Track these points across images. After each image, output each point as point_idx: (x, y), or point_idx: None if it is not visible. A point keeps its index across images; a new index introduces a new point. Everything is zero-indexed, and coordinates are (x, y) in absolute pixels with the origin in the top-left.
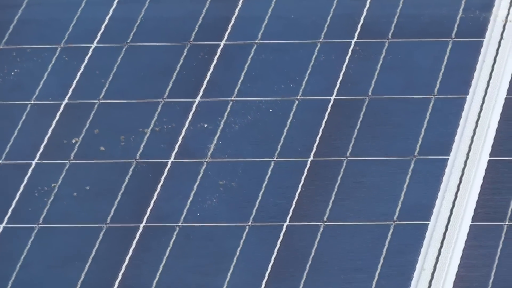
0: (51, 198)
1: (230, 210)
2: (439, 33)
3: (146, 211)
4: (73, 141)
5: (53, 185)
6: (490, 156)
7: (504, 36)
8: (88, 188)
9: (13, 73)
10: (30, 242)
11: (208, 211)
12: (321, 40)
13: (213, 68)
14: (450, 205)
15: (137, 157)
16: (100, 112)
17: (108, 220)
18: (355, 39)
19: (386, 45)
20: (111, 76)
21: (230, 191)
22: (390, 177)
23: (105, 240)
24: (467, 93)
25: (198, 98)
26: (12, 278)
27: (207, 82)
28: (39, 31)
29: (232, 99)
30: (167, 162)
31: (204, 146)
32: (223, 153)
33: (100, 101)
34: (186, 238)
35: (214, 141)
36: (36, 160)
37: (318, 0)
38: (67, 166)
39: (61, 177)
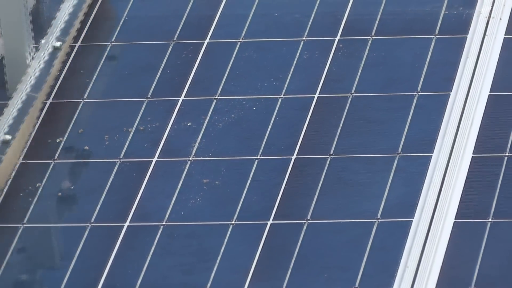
0: (36, 197)
1: (214, 208)
2: (422, 30)
3: (130, 210)
4: (57, 140)
5: (37, 185)
6: (473, 153)
7: (487, 33)
8: (72, 187)
9: None
10: (14, 242)
11: (192, 210)
12: (304, 38)
13: (197, 67)
14: (434, 202)
15: (121, 156)
16: (84, 111)
17: (92, 220)
18: (338, 37)
19: (370, 42)
20: (95, 75)
21: (214, 190)
22: (374, 174)
23: (89, 239)
24: (450, 90)
25: (182, 97)
26: None
27: (191, 81)
28: None
29: (216, 97)
30: (151, 161)
31: (188, 144)
32: (207, 152)
33: (84, 100)
34: (170, 236)
35: (198, 140)
36: (21, 160)
37: None
38: (51, 166)
39: (46, 176)
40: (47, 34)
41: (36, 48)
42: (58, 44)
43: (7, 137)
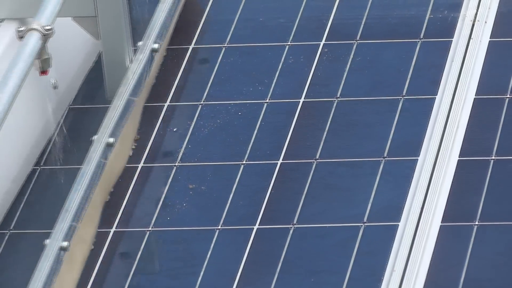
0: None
1: (200, 213)
2: (407, 33)
3: (116, 216)
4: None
5: None
6: (459, 156)
7: (472, 36)
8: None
9: None
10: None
11: (178, 215)
12: (289, 43)
13: (182, 72)
14: (420, 206)
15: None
16: (69, 116)
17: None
18: (323, 41)
19: (355, 46)
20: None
21: (200, 195)
22: (360, 178)
23: None
24: (436, 93)
25: (167, 102)
26: None
27: (176, 86)
28: None
29: (201, 102)
30: (137, 166)
31: (173, 150)
32: (193, 157)
33: (70, 107)
34: (156, 242)
35: (184, 145)
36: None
37: (286, 2)
38: (37, 173)
39: (32, 183)
40: (145, 36)
41: (134, 51)
42: (156, 46)
43: (111, 140)
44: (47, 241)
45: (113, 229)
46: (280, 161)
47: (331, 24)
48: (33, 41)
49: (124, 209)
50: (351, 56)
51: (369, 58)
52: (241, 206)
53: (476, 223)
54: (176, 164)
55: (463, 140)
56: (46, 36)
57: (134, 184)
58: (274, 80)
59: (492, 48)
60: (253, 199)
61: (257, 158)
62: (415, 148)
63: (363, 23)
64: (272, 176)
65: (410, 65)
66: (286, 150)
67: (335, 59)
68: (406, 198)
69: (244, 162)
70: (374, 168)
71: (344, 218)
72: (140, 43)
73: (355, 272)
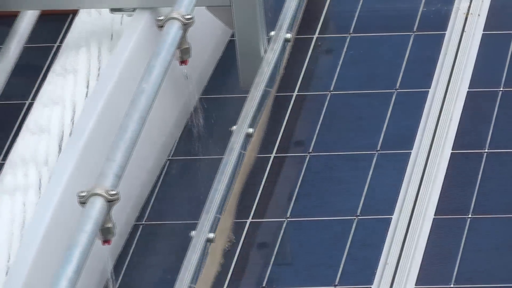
0: None
1: (194, 207)
2: (400, 26)
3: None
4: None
5: None
6: (452, 149)
7: (466, 29)
8: None
9: None
10: None
11: (172, 209)
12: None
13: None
14: (413, 199)
15: None
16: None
17: None
18: (316, 34)
19: (348, 39)
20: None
21: (195, 189)
22: (353, 171)
23: None
24: (429, 86)
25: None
26: None
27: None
28: None
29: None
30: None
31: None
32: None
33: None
34: (150, 235)
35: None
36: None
37: None
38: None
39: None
40: (277, 26)
41: (268, 41)
42: (289, 36)
43: (250, 130)
44: (193, 233)
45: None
46: (273, 154)
47: (324, 17)
48: (174, 30)
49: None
50: (344, 49)
51: (363, 51)
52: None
53: (470, 216)
54: (170, 158)
55: (456, 133)
56: (186, 25)
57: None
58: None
59: (485, 41)
60: (246, 193)
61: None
62: (409, 141)
63: (356, 16)
64: (265, 170)
65: (404, 58)
66: (279, 143)
67: (328, 52)
68: (400, 191)
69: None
70: (367, 161)
71: (337, 212)
72: (272, 33)
73: (348, 265)
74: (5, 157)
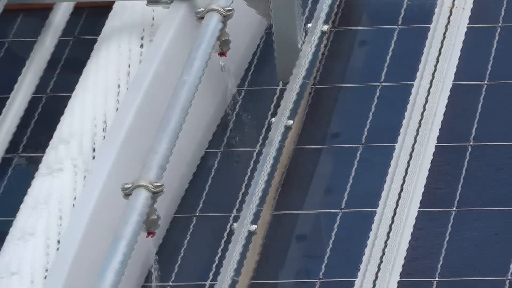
0: None
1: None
2: (385, 20)
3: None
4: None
5: None
6: (437, 143)
7: (450, 23)
8: None
9: None
10: None
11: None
12: (266, 30)
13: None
14: (398, 192)
15: None
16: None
17: None
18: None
19: (332, 33)
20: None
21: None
22: (337, 165)
23: None
24: (413, 80)
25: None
26: None
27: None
28: None
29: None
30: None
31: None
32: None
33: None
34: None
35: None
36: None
37: None
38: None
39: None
40: (314, 18)
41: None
42: (325, 28)
43: (290, 122)
44: (234, 225)
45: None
46: (258, 148)
47: (307, 12)
48: (214, 22)
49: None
50: (329, 43)
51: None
52: (219, 193)
53: (454, 209)
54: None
55: (441, 126)
56: (226, 17)
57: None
58: (252, 69)
59: (469, 34)
60: (231, 187)
61: (236, 146)
62: (393, 134)
63: (340, 10)
64: (249, 164)
65: (388, 52)
66: (263, 137)
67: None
68: (384, 185)
69: (221, 149)
70: (351, 155)
71: (322, 205)
72: (309, 25)
73: (332, 259)
74: (44, 148)
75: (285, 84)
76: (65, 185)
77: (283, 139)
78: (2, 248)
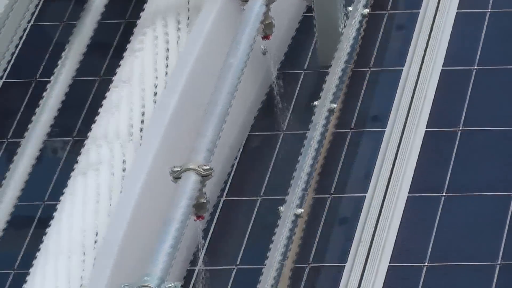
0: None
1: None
2: (374, 5)
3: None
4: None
5: None
6: (426, 128)
7: (439, 8)
8: None
9: None
10: None
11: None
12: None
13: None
14: (387, 177)
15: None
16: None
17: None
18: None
19: None
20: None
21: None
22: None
23: None
24: (403, 65)
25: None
26: None
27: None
28: None
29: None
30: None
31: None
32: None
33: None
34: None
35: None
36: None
37: None
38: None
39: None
40: (354, 1)
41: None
42: (365, 11)
43: (333, 105)
44: (281, 208)
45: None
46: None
47: None
48: (258, 5)
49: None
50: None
51: None
52: None
53: (444, 194)
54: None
55: (430, 111)
56: (270, 0)
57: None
58: None
59: (459, 19)
60: (221, 172)
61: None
62: (382, 119)
63: None
64: (239, 149)
65: (377, 36)
66: (253, 123)
67: (302, 32)
68: (373, 170)
69: None
70: (341, 140)
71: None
72: (349, 8)
73: (322, 244)
74: (85, 133)
75: (325, 67)
76: (107, 170)
77: (326, 122)
78: (51, 228)
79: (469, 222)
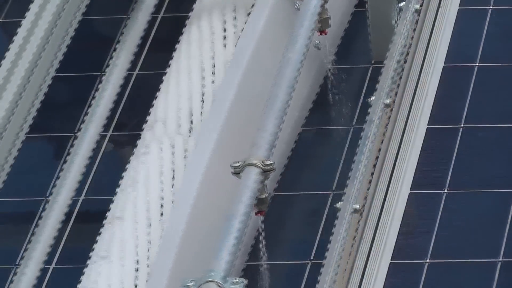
0: None
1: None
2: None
3: (85, 184)
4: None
5: None
6: (428, 124)
7: (441, 4)
8: None
9: None
10: None
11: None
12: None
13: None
14: (389, 174)
15: (75, 130)
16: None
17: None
18: None
19: None
20: None
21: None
22: (328, 146)
23: None
24: (405, 61)
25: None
26: None
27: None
28: None
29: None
30: (106, 135)
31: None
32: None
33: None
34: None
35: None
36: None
37: None
38: None
39: None
40: None
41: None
42: (418, 6)
43: (388, 101)
44: (339, 204)
45: (82, 197)
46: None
47: None
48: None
49: (93, 177)
50: None
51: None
52: None
53: (445, 190)
54: (140, 132)
55: (432, 108)
56: None
57: (102, 152)
58: None
59: (461, 16)
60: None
61: None
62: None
63: None
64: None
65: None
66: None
67: None
68: (375, 166)
69: None
70: (343, 136)
71: (313, 187)
72: (402, 4)
73: (324, 240)
74: (142, 121)
75: (378, 62)
76: (165, 164)
77: (382, 118)
78: (105, 226)
79: (470, 219)
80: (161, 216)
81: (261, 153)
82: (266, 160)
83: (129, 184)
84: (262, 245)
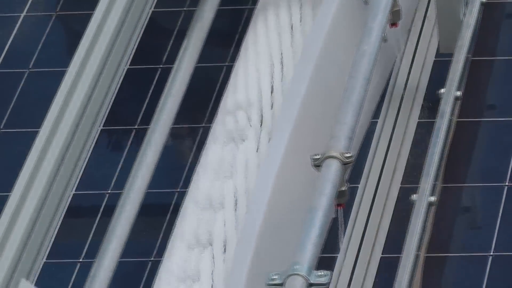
0: None
1: (160, 176)
2: None
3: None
4: None
5: None
6: (419, 119)
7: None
8: None
9: None
10: None
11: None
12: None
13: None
14: (380, 167)
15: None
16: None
17: None
18: None
19: None
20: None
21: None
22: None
23: None
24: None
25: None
26: None
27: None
28: None
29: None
30: (98, 130)
31: (132, 114)
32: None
33: (30, 70)
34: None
35: (143, 110)
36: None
37: None
38: None
39: None
40: None
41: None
42: None
43: (458, 93)
44: (414, 196)
45: (73, 191)
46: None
47: None
48: None
49: (84, 171)
50: None
51: None
52: None
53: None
54: (136, 127)
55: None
56: None
57: (93, 148)
58: None
59: None
60: None
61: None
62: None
63: None
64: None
65: None
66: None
67: None
68: (365, 161)
69: (203, 124)
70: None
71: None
72: None
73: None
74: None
75: (446, 55)
76: (237, 158)
77: (453, 110)
78: (182, 215)
79: (461, 213)
80: (236, 210)
81: (340, 146)
82: (346, 153)
83: (210, 178)
84: (342, 238)
